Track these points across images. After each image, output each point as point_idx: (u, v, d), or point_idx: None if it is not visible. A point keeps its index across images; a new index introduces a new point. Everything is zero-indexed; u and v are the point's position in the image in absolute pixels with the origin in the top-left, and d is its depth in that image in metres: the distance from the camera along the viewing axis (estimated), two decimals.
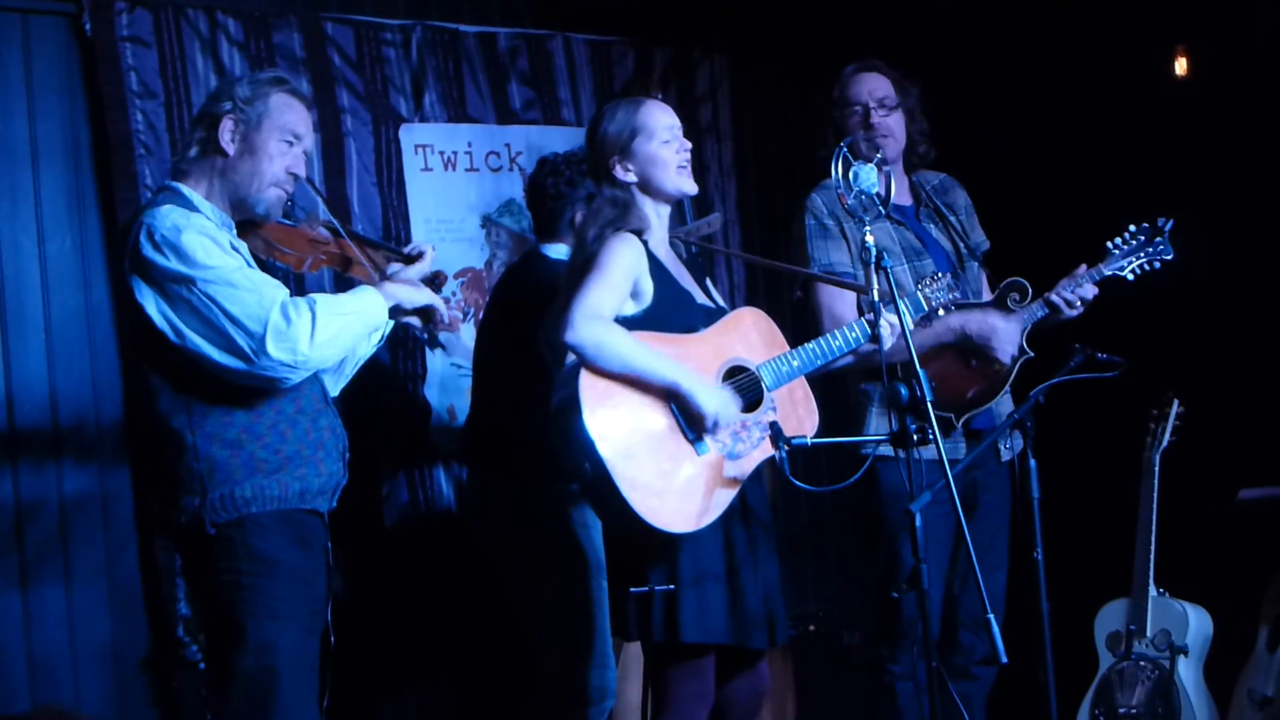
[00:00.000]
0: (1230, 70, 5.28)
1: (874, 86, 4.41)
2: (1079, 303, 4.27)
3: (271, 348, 3.20)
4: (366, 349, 3.61)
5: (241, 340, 3.20)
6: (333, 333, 3.29)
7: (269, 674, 3.26)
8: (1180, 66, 5.43)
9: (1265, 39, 5.14)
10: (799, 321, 4.35)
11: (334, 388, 3.60)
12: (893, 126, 4.39)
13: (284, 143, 3.43)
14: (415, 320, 3.57)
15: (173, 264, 3.22)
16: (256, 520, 3.28)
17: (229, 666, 3.28)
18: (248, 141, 3.40)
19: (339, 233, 3.60)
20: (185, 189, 3.40)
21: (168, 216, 3.27)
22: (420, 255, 3.63)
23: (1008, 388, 4.26)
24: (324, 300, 3.32)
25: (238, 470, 3.28)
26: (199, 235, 3.26)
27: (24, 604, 4.54)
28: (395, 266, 3.63)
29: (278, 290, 3.28)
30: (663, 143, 3.72)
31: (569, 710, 4.45)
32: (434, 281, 3.68)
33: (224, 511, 3.26)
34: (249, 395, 3.30)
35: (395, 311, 3.49)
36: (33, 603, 4.55)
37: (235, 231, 3.43)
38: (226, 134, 3.40)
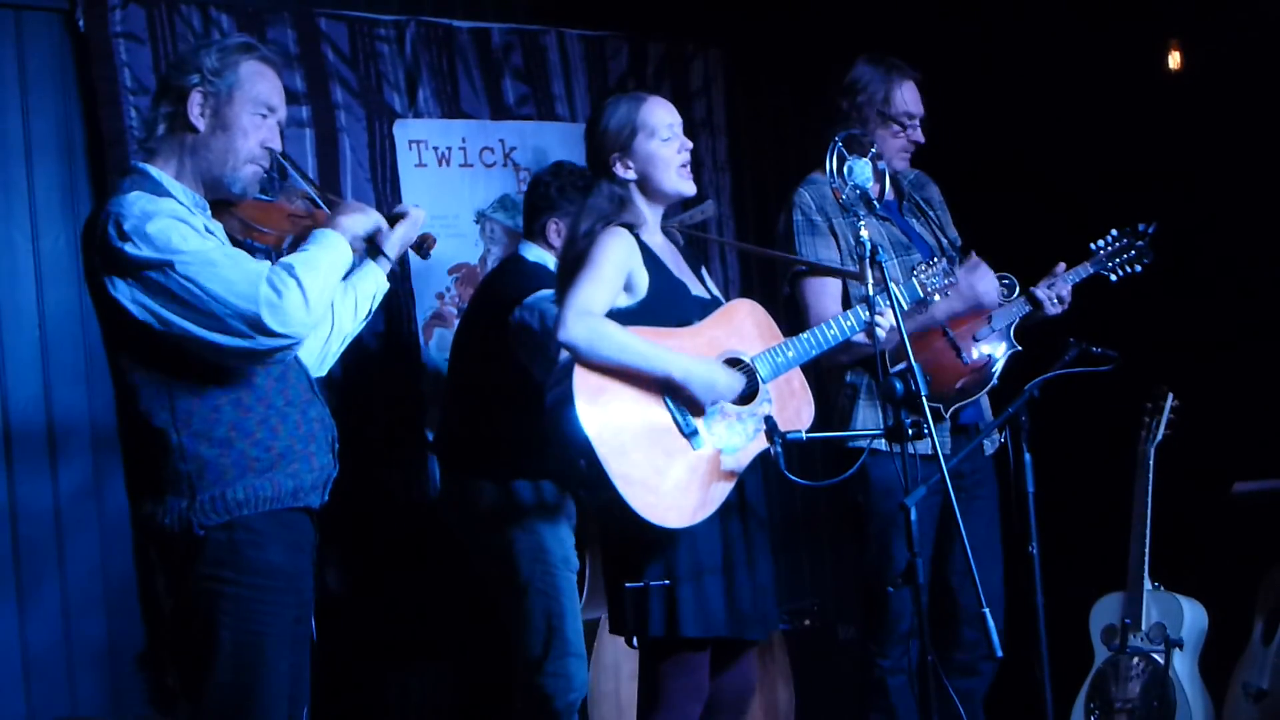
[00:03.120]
0: (1225, 64, 5.28)
1: (918, 99, 4.40)
2: (1058, 301, 4.30)
3: (271, 322, 3.02)
4: (353, 325, 3.45)
5: (234, 320, 3.02)
6: (319, 290, 3.10)
7: (245, 689, 3.12)
8: (1174, 60, 5.43)
9: (1260, 33, 5.15)
10: (790, 317, 4.35)
11: (321, 367, 3.42)
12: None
13: (258, 115, 3.22)
14: (362, 247, 3.37)
15: (144, 252, 3.02)
16: (247, 524, 3.11)
17: (203, 676, 3.12)
18: (219, 116, 3.17)
19: (317, 203, 3.41)
20: (153, 170, 3.17)
21: (135, 204, 3.06)
22: (404, 215, 3.44)
23: (995, 379, 4.27)
24: (299, 262, 3.13)
25: (228, 470, 3.10)
26: (170, 219, 3.06)
27: (19, 601, 4.53)
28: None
29: (260, 264, 3.11)
30: (663, 141, 3.71)
31: (540, 702, 4.48)
32: (422, 245, 3.51)
33: (214, 514, 3.08)
34: (236, 389, 3.13)
35: (354, 241, 3.32)
36: (28, 600, 4.55)
37: (210, 212, 3.23)
38: (195, 108, 3.16)
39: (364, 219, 3.35)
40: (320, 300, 3.13)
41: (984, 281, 4.19)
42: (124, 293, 3.07)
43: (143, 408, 3.12)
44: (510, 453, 4.48)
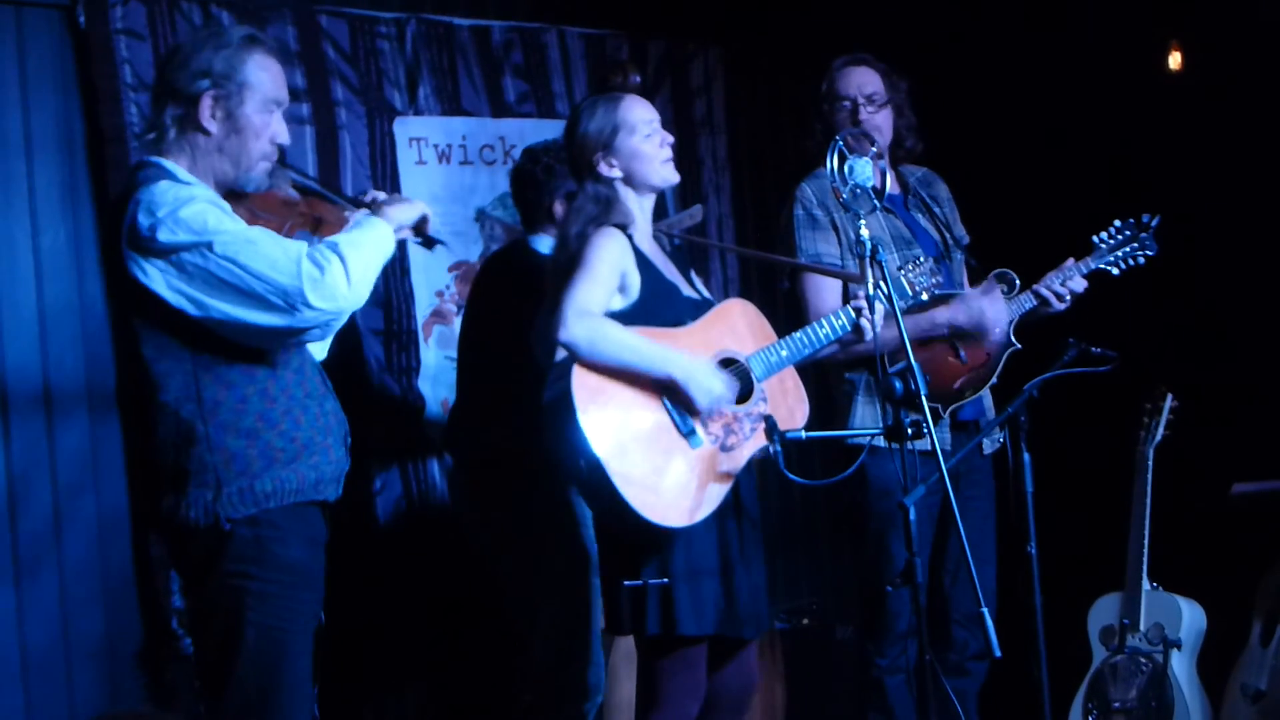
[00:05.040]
0: (1225, 64, 5.28)
1: (863, 82, 4.39)
2: (1068, 296, 4.29)
3: (312, 298, 3.03)
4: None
5: (276, 296, 3.02)
6: (362, 269, 3.11)
7: (268, 684, 3.13)
8: (1174, 61, 5.43)
9: (1260, 33, 5.15)
10: (792, 313, 4.35)
11: (320, 352, 3.42)
12: (880, 123, 4.36)
13: (267, 113, 3.23)
14: (410, 235, 3.39)
15: (181, 236, 3.02)
16: (272, 519, 3.13)
17: (225, 672, 3.13)
18: (232, 119, 3.17)
19: (307, 190, 3.42)
20: (169, 164, 3.16)
21: (166, 192, 3.07)
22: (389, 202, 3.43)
23: (995, 378, 4.27)
24: (343, 240, 3.15)
25: (255, 461, 3.11)
26: (204, 204, 3.07)
27: (17, 597, 4.53)
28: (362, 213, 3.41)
29: (298, 242, 3.12)
30: (644, 137, 3.72)
31: (560, 706, 4.45)
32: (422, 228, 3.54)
33: (241, 506, 3.09)
34: (262, 380, 3.14)
35: (399, 232, 3.33)
36: (26, 596, 4.55)
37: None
38: (207, 112, 3.15)
39: (409, 209, 3.37)
40: (363, 278, 3.13)
41: (995, 308, 4.19)
42: (158, 280, 3.06)
43: (168, 399, 3.12)
44: (532, 451, 4.41)
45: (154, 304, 3.08)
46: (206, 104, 3.17)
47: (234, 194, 3.26)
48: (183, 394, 3.11)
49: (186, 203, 3.06)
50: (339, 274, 3.08)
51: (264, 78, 3.22)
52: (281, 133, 3.28)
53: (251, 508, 3.11)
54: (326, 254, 3.09)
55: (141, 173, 3.18)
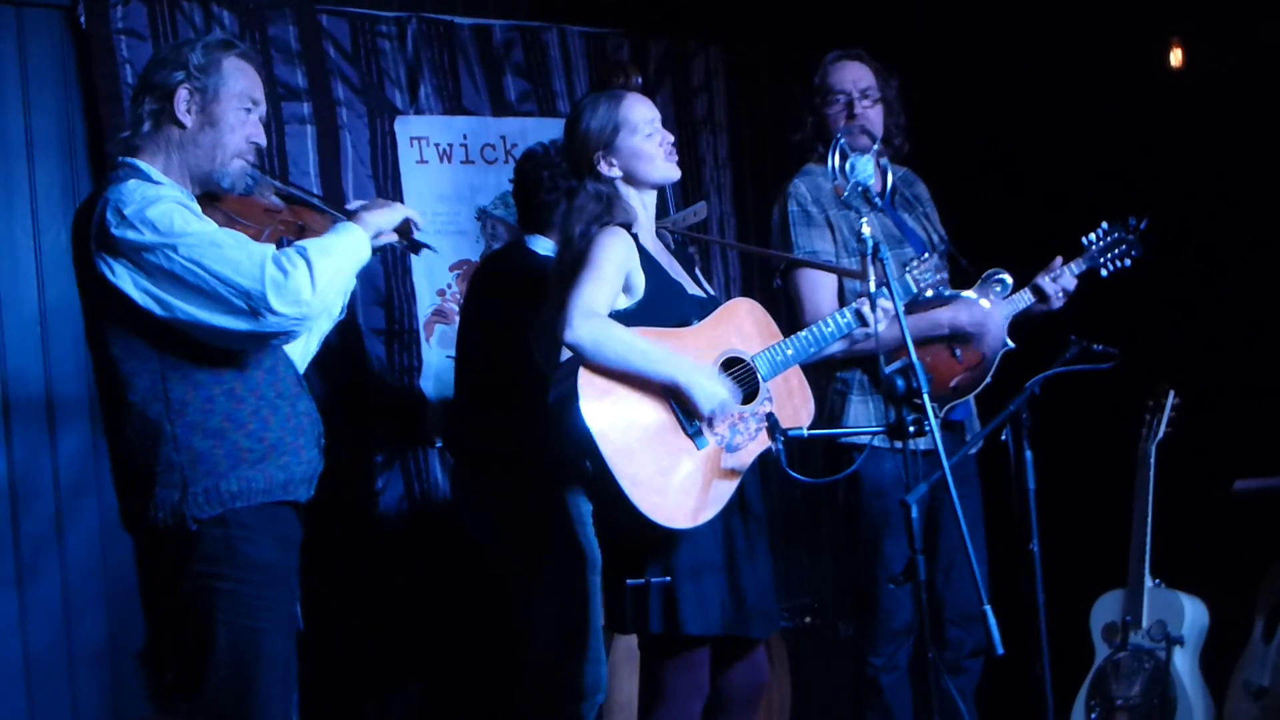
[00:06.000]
0: (1228, 61, 5.28)
1: (858, 76, 4.39)
2: (1062, 293, 4.31)
3: (275, 302, 3.04)
4: (326, 323, 3.46)
5: (239, 300, 3.03)
6: (330, 275, 3.12)
7: (243, 684, 3.14)
8: (1175, 58, 5.43)
9: (1263, 30, 5.14)
10: (785, 308, 4.34)
11: (300, 364, 3.43)
12: (873, 118, 4.37)
13: (243, 110, 3.25)
14: (395, 239, 3.39)
15: (147, 236, 3.04)
16: (239, 519, 3.13)
17: (201, 673, 3.15)
18: (206, 113, 3.21)
19: (291, 198, 3.44)
20: (143, 164, 3.19)
21: (135, 191, 3.09)
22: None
23: (989, 378, 4.27)
24: (312, 245, 3.16)
25: (221, 461, 3.12)
26: (171, 204, 3.09)
27: (19, 597, 4.53)
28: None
29: (263, 246, 3.13)
30: (645, 136, 3.71)
31: (560, 705, 4.45)
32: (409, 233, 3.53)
33: (207, 506, 3.10)
34: (230, 380, 3.15)
35: (377, 238, 3.33)
36: (28, 598, 4.55)
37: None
38: (182, 105, 3.19)
39: (390, 214, 3.37)
40: (329, 285, 3.14)
41: (993, 315, 4.20)
42: (125, 279, 3.08)
43: (135, 399, 3.13)
44: (532, 452, 4.41)
45: (121, 303, 3.10)
46: (182, 96, 3.20)
47: (209, 195, 3.28)
48: (150, 394, 3.13)
49: (154, 202, 3.08)
50: (303, 279, 3.08)
51: (239, 76, 3.26)
52: (257, 133, 3.29)
53: (218, 508, 3.12)
54: (293, 258, 3.10)
55: (113, 172, 3.21)
